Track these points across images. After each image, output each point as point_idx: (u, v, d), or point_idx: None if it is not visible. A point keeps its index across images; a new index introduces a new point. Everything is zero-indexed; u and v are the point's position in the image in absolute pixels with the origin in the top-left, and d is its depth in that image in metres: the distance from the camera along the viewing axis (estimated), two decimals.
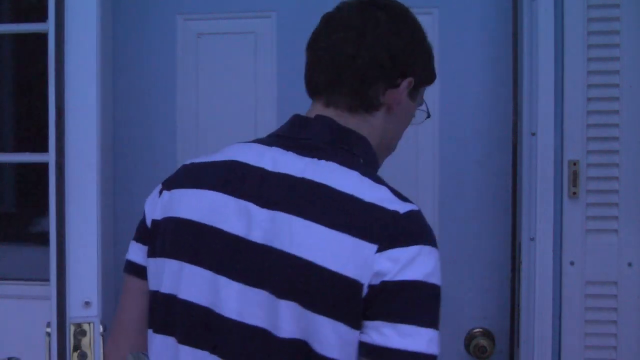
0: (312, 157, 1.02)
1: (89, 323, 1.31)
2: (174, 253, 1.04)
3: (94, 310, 1.29)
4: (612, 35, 1.66)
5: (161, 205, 1.09)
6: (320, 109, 1.10)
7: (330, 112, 1.08)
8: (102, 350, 1.30)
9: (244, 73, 1.89)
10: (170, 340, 1.05)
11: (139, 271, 1.11)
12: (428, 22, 1.85)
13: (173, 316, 1.04)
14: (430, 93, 1.85)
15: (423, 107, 1.21)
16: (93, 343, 1.29)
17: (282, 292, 0.95)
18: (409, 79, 1.09)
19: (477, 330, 1.85)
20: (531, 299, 1.68)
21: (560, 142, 1.67)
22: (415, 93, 1.14)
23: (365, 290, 0.92)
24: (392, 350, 0.91)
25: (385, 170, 1.88)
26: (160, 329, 1.07)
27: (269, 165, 1.02)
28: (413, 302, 0.92)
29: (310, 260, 0.94)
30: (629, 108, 1.66)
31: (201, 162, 1.10)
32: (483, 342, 1.82)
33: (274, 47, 1.87)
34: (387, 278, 0.91)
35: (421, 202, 1.86)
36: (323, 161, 1.01)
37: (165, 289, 1.05)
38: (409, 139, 1.87)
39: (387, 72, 1.07)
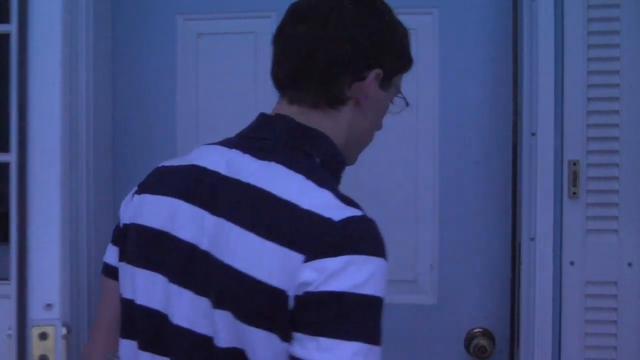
0: (265, 159, 0.99)
1: (51, 326, 1.29)
2: (135, 260, 1.05)
3: (56, 313, 1.27)
4: (612, 35, 1.66)
5: (131, 209, 1.09)
6: (283, 106, 1.06)
7: (293, 110, 1.05)
8: (64, 354, 1.29)
9: (244, 73, 1.88)
10: (133, 345, 1.06)
11: (113, 272, 1.11)
12: (428, 22, 1.86)
13: (133, 321, 1.05)
14: (431, 93, 1.86)
15: (401, 95, 1.16)
16: (55, 346, 1.28)
17: (217, 301, 0.94)
18: (377, 71, 1.04)
19: (477, 330, 1.85)
20: (531, 299, 1.68)
21: (560, 142, 1.67)
22: (387, 83, 1.08)
23: (291, 301, 0.89)
24: None
25: (385, 169, 1.88)
26: (124, 334, 1.08)
27: (223, 170, 1.00)
28: (336, 314, 0.88)
29: (241, 270, 0.92)
30: (629, 108, 1.66)
31: (169, 166, 1.09)
32: (483, 342, 1.82)
33: None
34: (310, 289, 0.88)
35: (421, 202, 1.87)
36: (273, 164, 0.98)
37: (127, 294, 1.06)
38: (409, 139, 1.88)
39: (352, 64, 1.03)
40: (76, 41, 1.69)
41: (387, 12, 1.09)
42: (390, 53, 1.07)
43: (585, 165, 1.66)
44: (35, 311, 1.31)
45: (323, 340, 0.87)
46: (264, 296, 0.90)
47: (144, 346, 1.04)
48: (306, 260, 0.89)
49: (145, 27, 1.92)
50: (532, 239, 1.68)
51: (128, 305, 1.06)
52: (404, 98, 1.16)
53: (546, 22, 1.66)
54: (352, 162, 1.13)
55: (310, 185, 0.95)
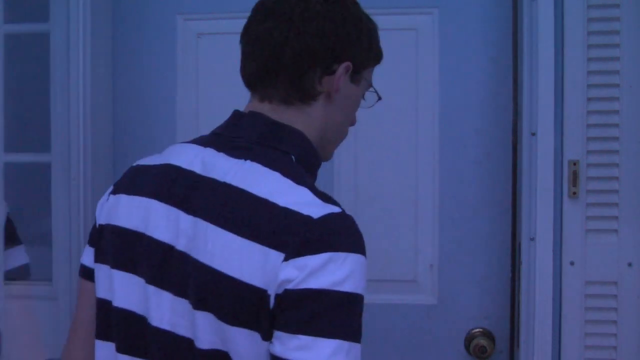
0: (240, 158, 0.98)
1: None
2: (111, 261, 1.04)
3: None
4: (612, 35, 1.66)
5: (107, 209, 1.07)
6: (255, 105, 1.06)
7: (265, 107, 1.04)
8: None
9: None
10: (110, 347, 1.05)
11: (89, 273, 1.10)
12: (428, 22, 1.86)
13: (110, 323, 1.04)
14: (431, 93, 1.86)
15: (373, 89, 1.15)
16: None
17: (197, 303, 0.93)
18: (346, 64, 1.03)
19: (477, 330, 1.85)
20: (531, 299, 1.68)
21: (560, 142, 1.67)
22: (358, 76, 1.07)
23: (272, 300, 0.89)
24: None
25: (385, 170, 1.88)
26: (100, 335, 1.06)
27: (198, 169, 0.99)
28: (316, 312, 0.87)
29: (220, 270, 0.91)
30: (629, 108, 1.66)
31: (145, 165, 1.08)
32: (483, 342, 1.82)
33: None
34: (290, 286, 0.88)
35: (421, 202, 1.86)
36: (248, 162, 0.97)
37: (103, 294, 1.05)
38: (409, 139, 1.88)
39: (321, 58, 1.02)
40: (75, 40, 1.70)
41: (354, 5, 1.08)
42: (359, 46, 1.06)
43: (585, 165, 1.66)
44: None
45: (303, 338, 0.87)
46: (244, 296, 0.90)
47: (123, 349, 1.02)
48: (286, 259, 0.88)
49: (145, 27, 1.92)
50: (532, 239, 1.68)
51: (105, 306, 1.05)
52: (376, 92, 1.15)
53: (546, 22, 1.66)
54: (327, 159, 1.13)
55: (287, 183, 0.95)
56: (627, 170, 1.66)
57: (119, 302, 1.02)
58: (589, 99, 1.66)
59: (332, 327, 0.87)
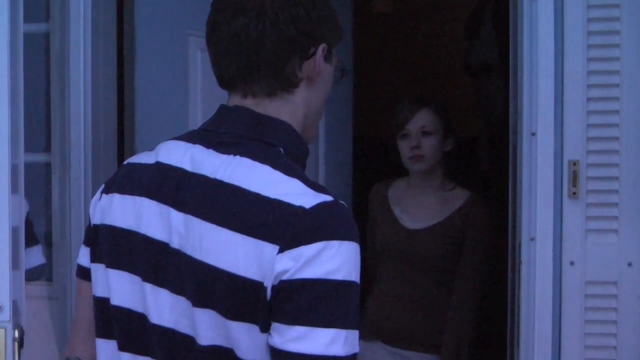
0: (229, 153, 0.98)
1: (1, 328, 1.26)
2: (107, 260, 1.04)
3: (6, 315, 1.24)
4: (612, 35, 1.66)
5: (100, 209, 1.08)
6: (238, 100, 1.04)
7: (248, 102, 1.03)
8: (16, 356, 1.26)
9: None
10: (112, 345, 1.05)
11: (86, 274, 1.10)
12: None
13: (109, 321, 1.05)
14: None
15: (341, 64, 1.15)
16: (5, 349, 1.25)
17: (196, 300, 0.95)
18: (323, 46, 1.04)
19: None
20: (531, 299, 1.68)
21: (560, 142, 1.67)
22: (329, 55, 1.08)
23: (269, 292, 0.90)
24: (290, 354, 0.88)
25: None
26: (100, 333, 1.07)
27: (187, 166, 1.00)
28: (311, 301, 0.89)
29: (216, 266, 0.92)
30: (629, 108, 1.65)
31: (136, 164, 1.08)
32: None
33: None
34: (285, 277, 0.89)
35: None
36: (238, 157, 0.98)
37: (100, 293, 1.06)
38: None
39: (298, 44, 1.01)
40: (75, 40, 1.71)
41: None
42: (329, 25, 1.07)
43: (585, 165, 1.66)
44: None
45: (300, 329, 0.88)
46: (242, 290, 0.91)
47: (124, 347, 1.03)
48: (281, 250, 0.90)
49: (157, 42, 1.88)
50: (532, 239, 1.68)
51: (103, 305, 1.05)
52: (344, 67, 1.15)
53: (546, 22, 1.66)
54: (311, 141, 1.12)
55: (278, 175, 0.96)
56: (627, 170, 1.66)
57: (116, 300, 1.03)
58: (589, 99, 1.66)
59: (328, 316, 0.89)
